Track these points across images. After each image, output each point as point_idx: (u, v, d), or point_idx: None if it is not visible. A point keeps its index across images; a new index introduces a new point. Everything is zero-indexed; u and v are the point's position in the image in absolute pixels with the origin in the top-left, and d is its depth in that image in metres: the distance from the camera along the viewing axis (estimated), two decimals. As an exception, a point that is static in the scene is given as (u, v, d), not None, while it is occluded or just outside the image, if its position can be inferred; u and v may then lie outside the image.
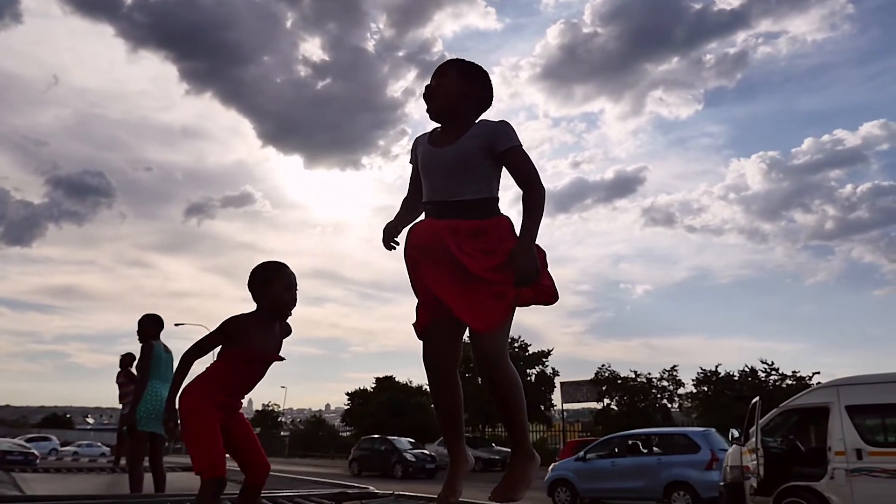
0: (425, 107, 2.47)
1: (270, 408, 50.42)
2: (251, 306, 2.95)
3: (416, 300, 2.45)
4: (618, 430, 27.38)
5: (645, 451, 13.06)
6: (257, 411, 51.71)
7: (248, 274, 2.81)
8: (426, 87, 2.46)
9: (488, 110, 2.55)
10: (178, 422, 2.65)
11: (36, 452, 22.20)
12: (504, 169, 2.41)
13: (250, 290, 2.79)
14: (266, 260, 2.84)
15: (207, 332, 2.75)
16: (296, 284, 2.81)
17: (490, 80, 2.52)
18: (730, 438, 9.27)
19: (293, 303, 2.79)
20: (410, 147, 2.59)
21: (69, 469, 8.55)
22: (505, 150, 2.33)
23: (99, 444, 39.90)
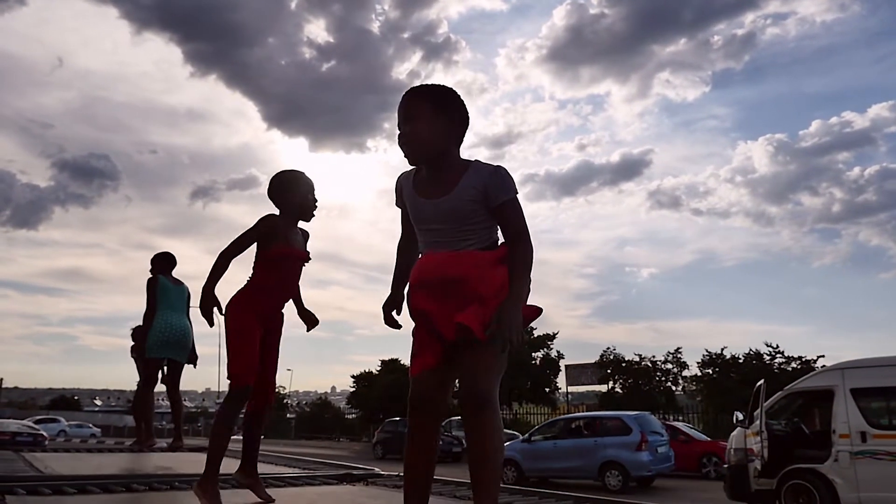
0: (401, 153, 2.18)
1: (276, 390, 50.76)
2: None
3: (413, 348, 2.19)
4: (622, 413, 27.40)
5: (586, 433, 13.90)
6: (263, 393, 51.99)
7: (268, 183, 3.00)
8: (399, 135, 2.16)
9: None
10: (215, 314, 2.84)
11: (45, 434, 22.43)
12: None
13: (272, 198, 2.97)
14: (283, 169, 3.04)
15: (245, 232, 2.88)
16: (314, 189, 3.02)
17: (464, 104, 2.22)
18: (734, 421, 9.31)
19: (314, 207, 3.02)
20: (395, 187, 2.30)
21: (77, 449, 8.62)
22: (500, 203, 2.10)
23: (90, 424, 40.05)
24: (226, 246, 2.83)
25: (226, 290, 2.87)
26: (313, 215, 3.04)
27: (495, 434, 1.99)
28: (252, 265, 2.94)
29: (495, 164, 2.16)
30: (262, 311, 2.89)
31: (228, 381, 2.79)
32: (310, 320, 3.15)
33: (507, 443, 14.46)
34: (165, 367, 5.61)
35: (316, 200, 3.03)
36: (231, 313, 2.82)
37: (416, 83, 2.33)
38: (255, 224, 2.84)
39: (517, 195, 2.14)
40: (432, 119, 2.13)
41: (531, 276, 2.12)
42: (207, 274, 2.81)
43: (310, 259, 3.03)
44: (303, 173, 3.02)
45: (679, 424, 18.90)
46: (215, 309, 2.81)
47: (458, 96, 2.22)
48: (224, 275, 2.84)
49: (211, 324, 2.85)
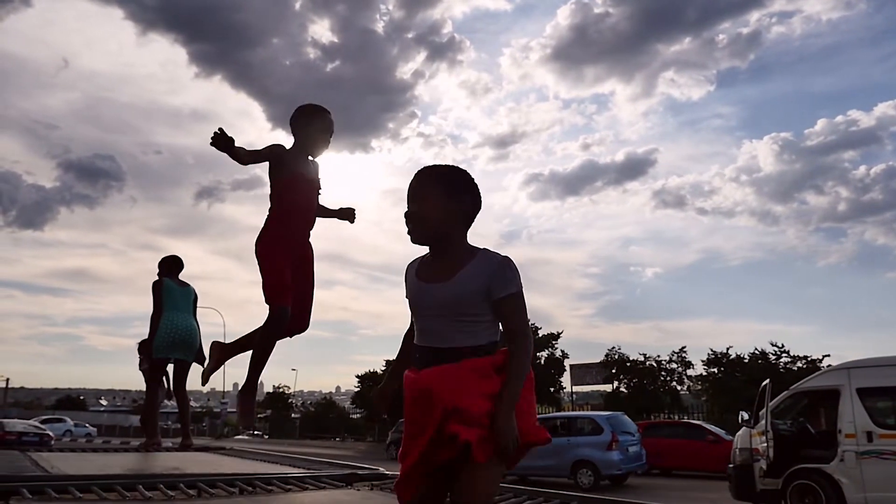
0: (406, 230, 2.10)
1: (281, 390, 50.73)
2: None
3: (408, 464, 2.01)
4: (627, 413, 27.47)
5: (562, 432, 14.22)
6: (268, 393, 52.05)
7: (293, 110, 3.10)
8: (405, 213, 2.09)
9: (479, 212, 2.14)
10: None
11: (51, 433, 22.49)
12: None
13: (291, 125, 3.08)
14: (310, 102, 3.16)
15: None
16: (332, 130, 3.11)
17: (476, 185, 2.13)
18: (740, 421, 9.29)
19: (326, 145, 3.10)
20: (405, 276, 2.18)
21: (84, 449, 8.64)
22: (501, 297, 1.98)
23: (86, 424, 40.06)
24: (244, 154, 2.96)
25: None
26: (321, 153, 3.14)
27: None
28: (269, 200, 3.07)
29: (503, 253, 2.04)
30: (287, 241, 3.02)
31: (267, 306, 2.93)
32: (346, 214, 3.25)
33: None
34: (171, 367, 5.67)
35: (328, 141, 3.11)
36: (258, 246, 2.98)
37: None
38: (270, 145, 3.02)
39: (521, 290, 2.01)
40: (440, 200, 2.06)
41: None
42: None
43: (321, 188, 3.16)
44: (325, 111, 3.10)
45: (708, 425, 18.66)
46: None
47: (471, 179, 2.13)
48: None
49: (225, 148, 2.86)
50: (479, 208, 2.14)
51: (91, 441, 22.88)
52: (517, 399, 1.93)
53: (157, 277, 5.70)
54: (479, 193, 2.14)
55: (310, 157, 3.17)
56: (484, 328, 2.01)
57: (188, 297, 5.70)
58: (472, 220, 2.13)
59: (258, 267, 2.99)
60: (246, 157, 2.95)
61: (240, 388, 3.07)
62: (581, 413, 17.18)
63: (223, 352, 3.27)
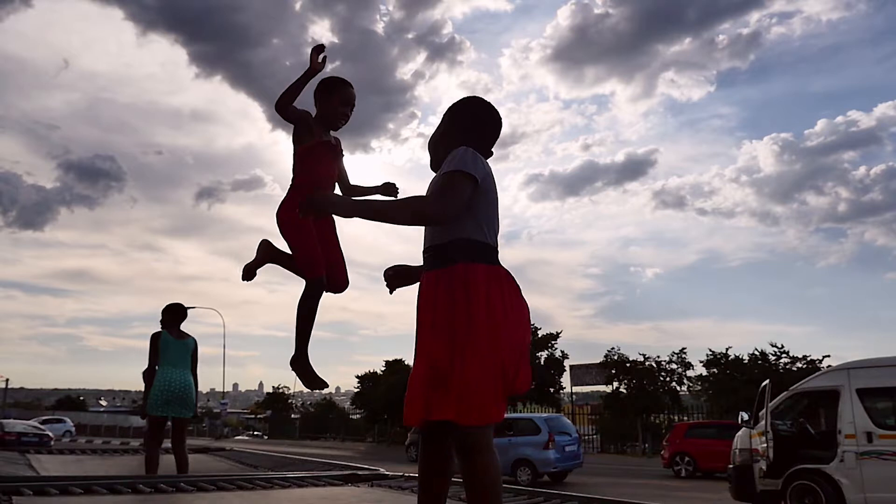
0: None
1: (281, 390, 50.72)
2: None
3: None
4: (626, 414, 27.35)
5: (508, 433, 14.79)
6: (268, 394, 52.04)
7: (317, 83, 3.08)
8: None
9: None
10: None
11: (50, 434, 22.50)
12: (482, 197, 2.10)
13: (314, 97, 3.06)
14: (335, 76, 3.12)
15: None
16: (353, 104, 3.09)
17: (479, 106, 2.30)
18: (739, 421, 9.29)
19: (345, 119, 3.09)
20: None
21: (83, 451, 8.65)
22: (440, 174, 2.11)
23: (66, 419, 39.44)
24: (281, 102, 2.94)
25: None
26: (340, 126, 3.12)
27: (483, 478, 2.01)
28: (292, 169, 3.07)
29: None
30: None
31: (304, 277, 2.94)
32: (388, 189, 3.16)
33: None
34: (170, 424, 5.50)
35: (347, 115, 3.10)
36: (282, 215, 2.96)
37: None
38: (305, 114, 3.00)
39: (460, 170, 2.04)
40: (445, 125, 2.31)
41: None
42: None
43: (342, 152, 3.16)
44: (347, 84, 3.09)
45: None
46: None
47: (471, 101, 2.33)
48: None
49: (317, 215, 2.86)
50: (486, 126, 2.28)
51: (74, 440, 22.87)
52: (364, 213, 2.03)
53: (158, 328, 5.58)
54: (485, 111, 2.29)
55: (330, 131, 3.13)
56: (453, 226, 2.07)
57: (185, 351, 5.56)
58: (480, 137, 2.26)
59: (283, 237, 2.99)
60: (289, 111, 2.95)
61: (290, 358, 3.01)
62: (521, 415, 18.10)
63: (269, 253, 3.20)
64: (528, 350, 2.12)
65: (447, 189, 2.02)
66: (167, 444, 5.92)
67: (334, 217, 3.13)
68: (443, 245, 2.08)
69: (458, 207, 2.02)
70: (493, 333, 1.98)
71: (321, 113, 3.05)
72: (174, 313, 5.67)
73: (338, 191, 3.17)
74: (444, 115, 2.34)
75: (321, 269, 2.93)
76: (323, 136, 3.04)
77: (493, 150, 2.33)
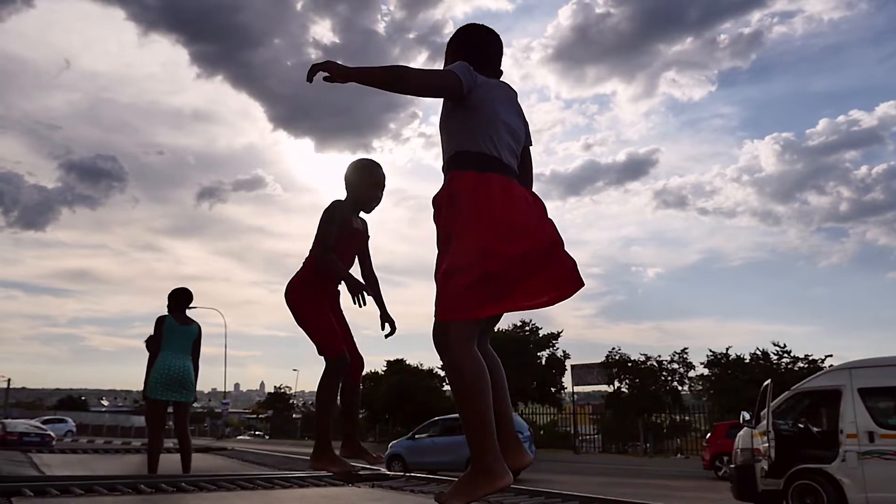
0: None
1: (282, 390, 50.81)
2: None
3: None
4: (628, 413, 27.28)
5: (460, 431, 14.33)
6: (270, 394, 52.11)
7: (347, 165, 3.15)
8: None
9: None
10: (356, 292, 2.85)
11: (52, 434, 22.49)
12: (478, 110, 2.10)
13: (345, 180, 3.10)
14: (364, 157, 3.19)
15: (322, 223, 2.99)
16: (384, 184, 3.12)
17: (473, 32, 2.31)
18: (741, 421, 9.28)
19: (376, 200, 3.12)
20: None
21: (85, 450, 8.65)
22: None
23: (68, 419, 39.42)
24: (321, 243, 2.94)
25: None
26: (372, 208, 3.14)
27: (451, 377, 1.96)
28: (311, 248, 3.06)
29: None
30: (323, 290, 3.01)
31: (323, 356, 2.93)
32: (385, 319, 3.10)
33: (398, 441, 16.53)
34: (171, 409, 5.55)
35: (379, 197, 3.13)
36: (296, 295, 2.96)
37: None
38: (330, 207, 2.98)
39: (453, 70, 2.08)
40: (446, 59, 2.31)
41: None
42: (338, 272, 2.90)
43: (368, 238, 3.18)
44: (377, 166, 3.12)
45: None
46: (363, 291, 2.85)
47: (466, 29, 2.32)
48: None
49: (362, 303, 2.81)
50: (476, 48, 2.25)
51: (76, 440, 22.89)
52: (361, 77, 2.10)
53: (165, 311, 5.63)
54: (478, 35, 2.29)
55: (361, 213, 3.16)
56: (452, 138, 2.14)
57: (188, 337, 5.59)
58: (489, 62, 2.25)
59: (296, 318, 2.96)
60: (333, 243, 2.99)
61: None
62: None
63: (352, 450, 3.29)
64: (537, 260, 2.04)
65: (431, 72, 2.09)
66: (167, 444, 5.92)
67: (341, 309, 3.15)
68: (443, 165, 2.16)
69: (453, 82, 2.05)
70: (476, 234, 1.93)
71: (352, 196, 3.09)
72: (179, 298, 5.71)
73: (358, 276, 3.12)
74: (445, 51, 2.35)
75: (342, 347, 2.95)
76: (353, 223, 3.07)
77: (501, 69, 2.33)
